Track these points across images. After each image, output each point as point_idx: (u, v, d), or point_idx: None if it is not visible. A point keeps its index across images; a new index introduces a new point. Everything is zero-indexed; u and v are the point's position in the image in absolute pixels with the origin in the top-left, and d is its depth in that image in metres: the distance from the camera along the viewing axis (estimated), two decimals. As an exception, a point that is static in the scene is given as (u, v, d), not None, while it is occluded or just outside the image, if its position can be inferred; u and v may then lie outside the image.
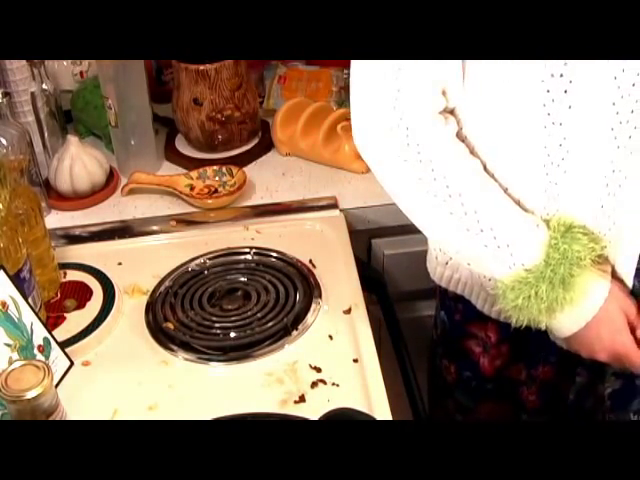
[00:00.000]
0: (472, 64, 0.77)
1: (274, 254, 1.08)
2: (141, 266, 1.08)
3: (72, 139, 1.21)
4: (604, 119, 0.74)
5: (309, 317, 0.96)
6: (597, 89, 0.72)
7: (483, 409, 1.01)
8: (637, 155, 0.75)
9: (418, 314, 1.29)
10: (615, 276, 0.82)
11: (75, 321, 0.97)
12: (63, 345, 0.90)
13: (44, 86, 1.26)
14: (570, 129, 0.75)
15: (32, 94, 1.24)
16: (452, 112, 0.82)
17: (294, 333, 0.94)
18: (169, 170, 1.31)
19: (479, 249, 0.79)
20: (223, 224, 1.17)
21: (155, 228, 1.17)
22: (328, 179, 1.27)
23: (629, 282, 0.83)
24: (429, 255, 0.97)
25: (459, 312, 0.97)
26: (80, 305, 0.99)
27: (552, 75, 0.73)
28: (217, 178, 1.26)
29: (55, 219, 1.20)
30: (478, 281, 0.89)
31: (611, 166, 0.76)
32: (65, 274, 1.05)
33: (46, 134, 1.28)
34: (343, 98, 1.39)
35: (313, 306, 0.98)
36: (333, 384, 0.87)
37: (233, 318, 0.97)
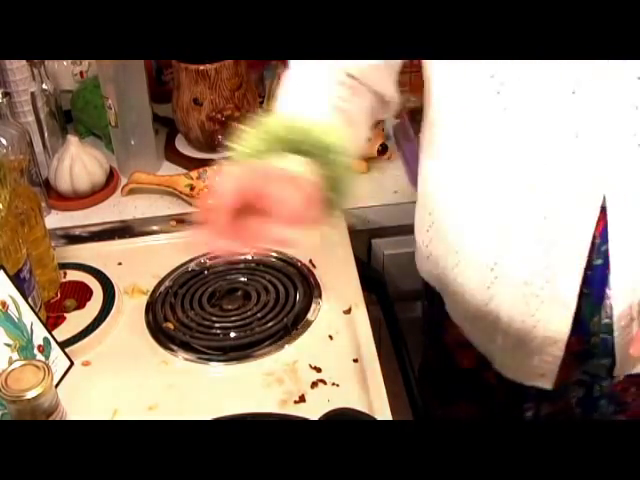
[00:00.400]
0: (429, 67, 0.78)
1: (274, 254, 1.08)
2: (141, 266, 1.08)
3: (72, 139, 1.21)
4: (542, 124, 0.72)
5: (309, 317, 0.96)
6: (531, 93, 0.71)
7: (462, 407, 1.02)
8: (576, 162, 0.73)
9: (418, 314, 1.28)
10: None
11: (75, 321, 0.97)
12: (63, 345, 0.90)
13: (44, 86, 1.26)
14: (506, 134, 0.74)
15: (32, 94, 1.24)
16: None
17: (294, 333, 0.94)
18: (169, 170, 1.31)
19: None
20: (223, 224, 1.17)
21: (155, 228, 1.17)
22: (328, 179, 1.27)
23: (572, 299, 0.80)
24: (416, 248, 0.98)
25: (438, 305, 0.97)
26: (80, 305, 0.99)
27: (489, 76, 0.72)
28: (217, 178, 1.26)
29: (55, 219, 1.20)
30: (450, 282, 0.90)
31: (551, 182, 0.74)
32: (65, 274, 1.05)
33: (46, 134, 1.28)
34: (343, 98, 1.38)
35: (313, 306, 0.98)
36: (333, 384, 0.87)
37: (233, 318, 0.97)
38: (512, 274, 0.82)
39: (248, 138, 0.71)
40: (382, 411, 0.81)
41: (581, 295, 0.80)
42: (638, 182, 0.73)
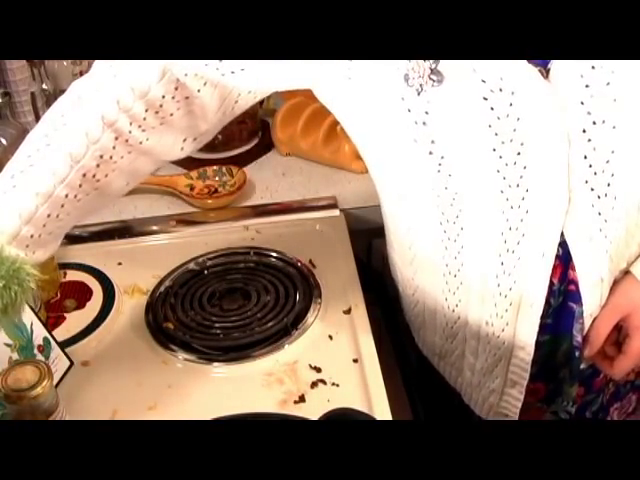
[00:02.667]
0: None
1: (274, 254, 1.08)
2: (141, 266, 1.08)
3: (72, 139, 1.21)
4: (490, 186, 0.72)
5: (309, 317, 0.96)
6: (474, 160, 0.71)
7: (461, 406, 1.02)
8: (533, 214, 0.73)
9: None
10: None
11: (75, 321, 0.97)
12: (63, 345, 0.90)
13: (44, 86, 1.26)
14: (457, 192, 0.74)
15: (32, 94, 1.24)
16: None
17: (294, 333, 0.94)
18: (169, 170, 1.30)
19: None
20: (223, 224, 1.17)
21: (155, 228, 1.17)
22: (328, 179, 1.27)
23: (530, 344, 0.81)
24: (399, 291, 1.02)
25: None
26: (80, 305, 0.99)
27: (430, 153, 0.72)
28: (217, 178, 1.26)
29: (55, 219, 1.19)
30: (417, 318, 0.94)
31: (507, 224, 0.74)
32: (65, 274, 1.05)
33: (46, 134, 1.28)
34: (343, 98, 1.38)
35: (313, 306, 0.98)
36: (333, 384, 0.86)
37: (233, 318, 0.97)
38: (473, 315, 0.84)
39: None
40: (382, 411, 0.81)
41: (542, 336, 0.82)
42: (592, 220, 0.74)
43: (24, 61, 1.24)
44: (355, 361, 0.89)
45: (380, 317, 1.12)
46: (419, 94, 0.68)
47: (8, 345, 0.83)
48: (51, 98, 1.27)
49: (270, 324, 0.95)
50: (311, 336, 0.94)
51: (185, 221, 1.18)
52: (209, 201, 1.21)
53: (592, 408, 0.90)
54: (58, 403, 0.78)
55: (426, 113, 0.69)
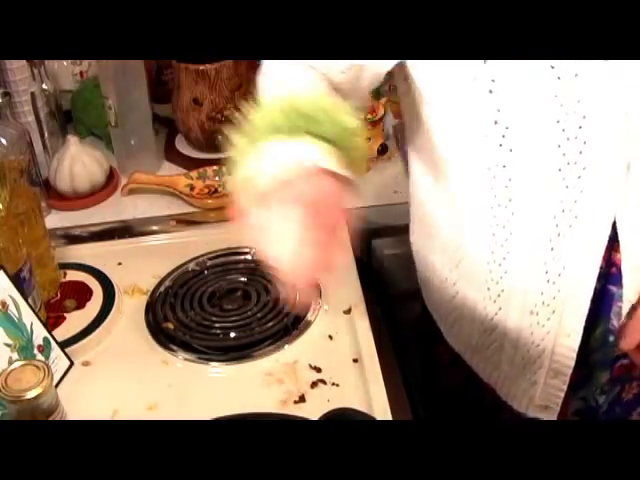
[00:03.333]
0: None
1: (274, 254, 1.08)
2: (141, 266, 1.08)
3: (72, 139, 1.21)
4: (549, 163, 0.72)
5: (309, 317, 0.96)
6: (538, 133, 0.71)
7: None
8: (588, 194, 0.72)
9: (418, 314, 1.28)
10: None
11: (75, 321, 0.97)
12: (63, 345, 0.90)
13: (44, 86, 1.26)
14: (514, 171, 0.74)
15: (32, 94, 1.24)
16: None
17: (294, 333, 0.94)
18: (169, 170, 1.31)
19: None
20: (223, 224, 1.17)
21: (155, 228, 1.17)
22: (328, 179, 1.27)
23: (578, 332, 0.79)
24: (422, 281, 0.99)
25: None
26: (80, 305, 0.99)
27: (495, 122, 0.72)
28: (217, 178, 1.26)
29: (55, 219, 1.20)
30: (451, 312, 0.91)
31: (560, 206, 0.73)
32: (65, 274, 1.05)
33: (46, 134, 1.28)
34: (343, 98, 1.39)
35: (313, 306, 0.98)
36: (333, 384, 0.86)
37: (233, 318, 0.97)
38: (516, 305, 0.82)
39: (250, 126, 0.70)
40: (382, 411, 0.81)
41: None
42: None
43: (24, 61, 1.24)
44: (355, 361, 0.89)
45: (380, 317, 1.12)
46: (485, 62, 0.68)
47: (8, 345, 0.83)
48: (51, 98, 1.27)
49: (270, 324, 0.95)
50: (311, 336, 0.94)
51: (185, 221, 1.18)
52: (209, 201, 1.21)
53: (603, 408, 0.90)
54: (58, 403, 0.78)
55: (492, 81, 0.69)
